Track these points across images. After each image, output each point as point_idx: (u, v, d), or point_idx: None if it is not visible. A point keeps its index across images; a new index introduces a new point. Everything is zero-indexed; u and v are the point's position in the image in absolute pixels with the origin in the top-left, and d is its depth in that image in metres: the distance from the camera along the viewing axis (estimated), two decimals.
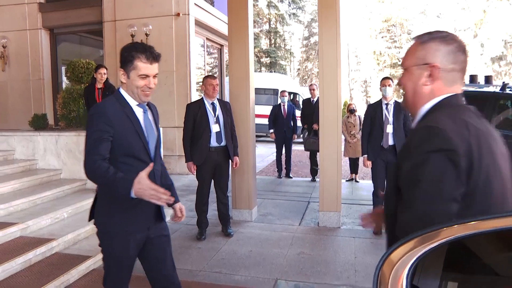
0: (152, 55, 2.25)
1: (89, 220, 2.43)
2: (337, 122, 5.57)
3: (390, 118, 5.30)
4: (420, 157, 1.28)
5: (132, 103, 2.32)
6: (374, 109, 5.45)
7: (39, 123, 7.26)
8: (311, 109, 8.34)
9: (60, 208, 5.16)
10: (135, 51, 2.23)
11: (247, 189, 5.89)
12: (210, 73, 12.26)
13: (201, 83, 5.31)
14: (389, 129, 5.28)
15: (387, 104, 5.37)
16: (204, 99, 5.06)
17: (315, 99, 8.32)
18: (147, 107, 2.40)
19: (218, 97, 5.20)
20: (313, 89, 8.55)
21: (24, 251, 4.07)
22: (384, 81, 5.43)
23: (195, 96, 9.12)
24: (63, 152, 6.43)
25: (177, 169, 9.00)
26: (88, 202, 5.58)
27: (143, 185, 2.03)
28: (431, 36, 1.43)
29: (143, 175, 2.05)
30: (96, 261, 4.25)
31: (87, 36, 10.50)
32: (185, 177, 8.77)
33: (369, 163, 5.42)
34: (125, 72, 2.28)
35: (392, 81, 5.44)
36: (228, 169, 5.24)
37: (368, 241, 5.08)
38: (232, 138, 5.18)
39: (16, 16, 9.66)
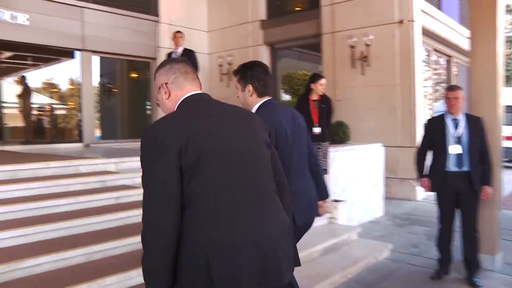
0: None
1: None
2: None
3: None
4: (141, 162, 1.54)
5: None
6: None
7: None
8: None
9: None
10: None
11: (489, 227, 4.46)
12: (438, 87, 10.89)
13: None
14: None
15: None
16: (445, 114, 4.13)
17: None
18: None
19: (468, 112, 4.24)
20: None
21: None
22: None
23: (420, 112, 8.04)
24: None
25: (398, 193, 7.95)
26: None
27: None
28: (156, 70, 1.86)
29: None
30: None
31: (305, 50, 10.57)
32: (406, 203, 7.63)
33: None
34: None
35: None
36: (476, 199, 4.12)
37: None
38: (484, 163, 4.05)
39: (241, 35, 10.29)
